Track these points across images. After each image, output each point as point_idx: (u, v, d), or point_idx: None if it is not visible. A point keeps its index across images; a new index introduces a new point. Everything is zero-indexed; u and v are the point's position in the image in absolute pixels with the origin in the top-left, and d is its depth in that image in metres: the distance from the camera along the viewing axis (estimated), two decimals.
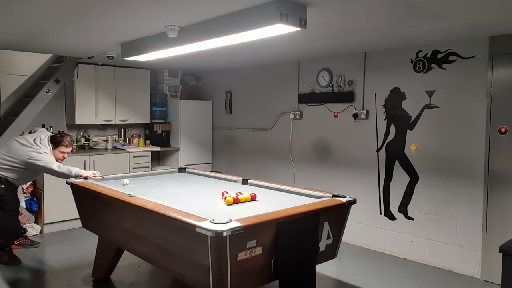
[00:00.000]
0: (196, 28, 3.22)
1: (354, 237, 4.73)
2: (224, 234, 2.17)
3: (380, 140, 4.54)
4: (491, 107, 3.72)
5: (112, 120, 5.97)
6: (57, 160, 4.03)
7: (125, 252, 3.48)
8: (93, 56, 4.96)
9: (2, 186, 3.98)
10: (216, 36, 3.08)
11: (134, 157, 5.87)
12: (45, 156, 3.90)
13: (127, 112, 6.09)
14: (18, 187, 4.33)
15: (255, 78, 6.00)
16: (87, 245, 4.33)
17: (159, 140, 6.38)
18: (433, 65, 4.09)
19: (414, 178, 4.28)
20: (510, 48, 3.59)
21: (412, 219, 4.31)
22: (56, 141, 4.05)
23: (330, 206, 2.86)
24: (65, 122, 5.80)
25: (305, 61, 5.27)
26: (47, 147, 3.98)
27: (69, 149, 4.15)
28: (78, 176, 3.75)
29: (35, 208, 5.09)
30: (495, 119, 3.70)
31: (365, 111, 4.62)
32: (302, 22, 2.71)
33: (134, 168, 5.79)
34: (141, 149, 6.02)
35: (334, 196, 3.06)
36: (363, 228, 4.69)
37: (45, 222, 5.06)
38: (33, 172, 4.09)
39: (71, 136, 4.26)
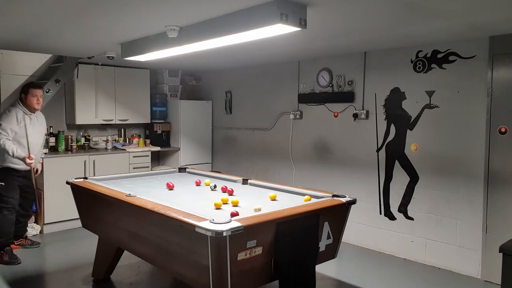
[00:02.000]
0: (196, 28, 3.22)
1: (354, 237, 4.73)
2: (224, 234, 2.17)
3: (380, 140, 4.54)
4: (491, 107, 3.72)
5: (112, 120, 5.97)
6: (34, 107, 4.19)
7: (125, 252, 3.48)
8: (93, 56, 4.96)
9: (2, 183, 4.09)
10: (216, 36, 3.08)
11: (134, 157, 5.87)
12: (1, 126, 4.00)
13: (127, 112, 6.09)
14: (21, 187, 4.28)
15: (255, 78, 6.00)
16: (87, 245, 4.33)
17: (159, 140, 6.39)
18: (433, 65, 4.09)
19: (414, 178, 4.28)
20: (510, 48, 3.59)
21: (412, 219, 4.31)
22: (24, 89, 4.19)
23: (330, 206, 2.86)
24: (65, 122, 5.80)
25: (305, 61, 5.27)
26: (13, 107, 4.14)
27: (40, 91, 4.24)
28: (20, 158, 4.00)
29: (35, 208, 5.09)
30: (495, 119, 3.70)
31: (365, 111, 4.62)
32: (302, 22, 2.71)
33: (134, 168, 5.79)
34: (141, 149, 6.02)
35: (334, 196, 3.06)
36: (363, 228, 4.69)
37: (45, 222, 5.06)
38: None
39: None
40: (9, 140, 4.00)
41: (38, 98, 4.18)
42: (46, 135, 4.68)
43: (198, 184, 3.71)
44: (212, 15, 2.99)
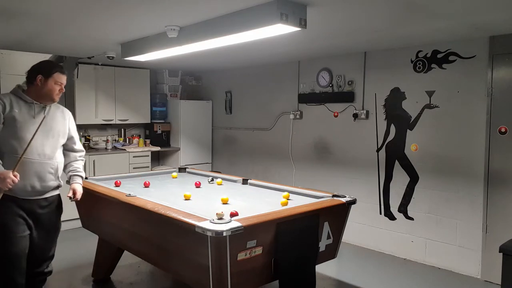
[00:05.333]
0: (196, 28, 3.22)
1: (354, 237, 4.72)
2: (224, 234, 2.17)
3: (380, 140, 4.54)
4: (491, 107, 3.72)
5: (112, 120, 5.97)
6: (53, 98, 2.74)
7: (125, 252, 3.49)
8: (93, 56, 4.96)
9: None
10: (216, 36, 3.08)
11: (134, 157, 5.87)
12: None
13: (127, 112, 6.09)
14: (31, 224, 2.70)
15: (255, 78, 6.00)
16: (87, 245, 4.33)
17: (159, 140, 6.38)
18: (433, 65, 4.09)
19: (414, 178, 4.28)
20: (510, 48, 3.59)
21: (412, 219, 4.31)
22: (44, 70, 2.70)
23: (330, 206, 2.86)
24: None
25: (305, 61, 5.27)
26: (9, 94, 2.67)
27: (65, 79, 2.79)
28: None
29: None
30: (495, 119, 3.70)
31: (365, 111, 4.62)
32: (302, 22, 2.71)
33: (134, 168, 5.79)
34: (141, 149, 6.02)
35: (334, 196, 3.06)
36: (363, 228, 4.69)
37: None
38: None
39: None
40: None
41: (62, 87, 2.75)
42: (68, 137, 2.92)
43: (197, 185, 3.70)
44: (212, 15, 2.99)
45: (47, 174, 2.71)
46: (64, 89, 2.77)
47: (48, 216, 2.81)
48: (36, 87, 2.68)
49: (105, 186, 3.41)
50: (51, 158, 2.73)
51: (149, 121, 6.39)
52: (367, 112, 4.62)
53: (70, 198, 2.88)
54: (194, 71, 6.85)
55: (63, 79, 2.76)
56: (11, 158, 2.53)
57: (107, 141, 5.97)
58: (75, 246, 4.69)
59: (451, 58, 3.96)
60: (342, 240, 3.05)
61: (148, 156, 6.04)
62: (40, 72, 2.68)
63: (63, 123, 2.85)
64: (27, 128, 2.61)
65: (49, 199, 2.80)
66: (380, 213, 4.57)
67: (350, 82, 4.76)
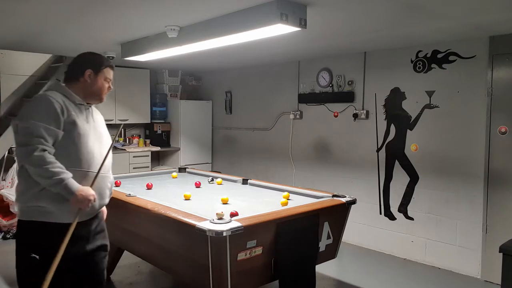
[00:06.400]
0: (196, 28, 3.23)
1: (354, 237, 4.72)
2: (224, 234, 2.17)
3: (380, 140, 4.54)
4: (491, 107, 3.72)
5: (112, 120, 5.97)
6: (102, 97, 2.32)
7: (125, 252, 3.48)
8: None
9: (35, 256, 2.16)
10: (216, 36, 3.08)
11: (134, 157, 5.87)
12: (30, 124, 1.96)
13: (127, 112, 6.09)
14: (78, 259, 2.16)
15: (255, 78, 6.00)
16: None
17: (159, 140, 6.39)
18: (433, 65, 4.09)
19: (414, 178, 4.28)
20: (510, 48, 3.59)
21: (412, 219, 4.31)
22: (93, 64, 2.28)
23: (330, 206, 2.86)
24: None
25: (305, 61, 5.27)
26: (47, 92, 2.13)
27: (113, 74, 2.40)
28: (69, 193, 1.98)
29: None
30: (495, 119, 3.70)
31: (365, 111, 4.62)
32: (302, 22, 2.71)
33: (134, 168, 5.79)
34: (141, 149, 6.02)
35: (334, 196, 3.06)
36: (363, 228, 4.69)
37: None
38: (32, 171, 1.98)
39: None
40: (46, 151, 1.97)
41: (110, 85, 2.38)
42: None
43: (198, 185, 3.70)
44: (212, 15, 2.99)
45: (106, 190, 2.28)
46: (112, 87, 2.38)
47: (100, 235, 2.32)
48: (84, 84, 2.23)
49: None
50: (109, 170, 2.34)
51: (149, 121, 6.39)
52: (367, 112, 4.62)
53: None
54: (194, 71, 6.85)
55: (111, 75, 2.37)
56: (73, 173, 2.03)
57: None
58: None
59: (451, 58, 3.96)
60: (342, 240, 3.05)
61: (148, 156, 6.04)
62: (90, 67, 2.25)
63: (104, 126, 2.41)
64: (88, 135, 2.15)
65: (99, 215, 2.33)
66: (380, 213, 4.57)
67: (350, 82, 4.76)
